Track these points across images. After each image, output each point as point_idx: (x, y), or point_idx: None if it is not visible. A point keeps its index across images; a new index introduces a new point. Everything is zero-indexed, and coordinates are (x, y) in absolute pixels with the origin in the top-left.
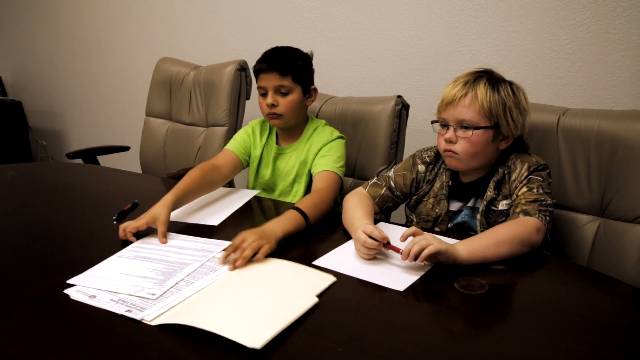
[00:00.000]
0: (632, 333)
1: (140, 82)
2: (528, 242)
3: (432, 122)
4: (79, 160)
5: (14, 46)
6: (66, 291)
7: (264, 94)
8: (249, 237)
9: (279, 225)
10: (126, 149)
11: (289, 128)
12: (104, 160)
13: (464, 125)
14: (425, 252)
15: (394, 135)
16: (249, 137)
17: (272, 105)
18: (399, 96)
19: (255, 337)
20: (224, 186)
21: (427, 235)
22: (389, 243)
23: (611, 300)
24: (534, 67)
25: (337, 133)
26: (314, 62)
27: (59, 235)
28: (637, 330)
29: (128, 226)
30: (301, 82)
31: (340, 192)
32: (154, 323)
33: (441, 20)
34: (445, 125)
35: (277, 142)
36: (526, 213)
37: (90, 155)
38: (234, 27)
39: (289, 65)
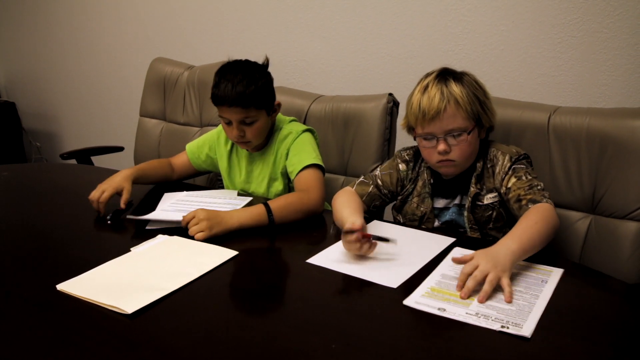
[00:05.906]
0: (624, 328)
1: (134, 82)
2: (555, 226)
3: (415, 137)
4: (73, 161)
5: (7, 47)
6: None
7: (228, 123)
8: (199, 214)
9: (237, 217)
10: (120, 149)
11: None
12: (98, 160)
13: (455, 134)
14: (487, 289)
15: (387, 133)
16: (214, 143)
17: (239, 136)
18: (390, 94)
19: (131, 304)
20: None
21: (479, 259)
22: (365, 235)
23: (603, 296)
24: (526, 66)
25: (301, 127)
26: (307, 62)
27: (53, 236)
28: (628, 325)
29: (99, 201)
30: (264, 105)
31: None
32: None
33: (434, 19)
34: (431, 138)
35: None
36: (534, 202)
37: (84, 155)
38: (228, 27)
39: (251, 94)
